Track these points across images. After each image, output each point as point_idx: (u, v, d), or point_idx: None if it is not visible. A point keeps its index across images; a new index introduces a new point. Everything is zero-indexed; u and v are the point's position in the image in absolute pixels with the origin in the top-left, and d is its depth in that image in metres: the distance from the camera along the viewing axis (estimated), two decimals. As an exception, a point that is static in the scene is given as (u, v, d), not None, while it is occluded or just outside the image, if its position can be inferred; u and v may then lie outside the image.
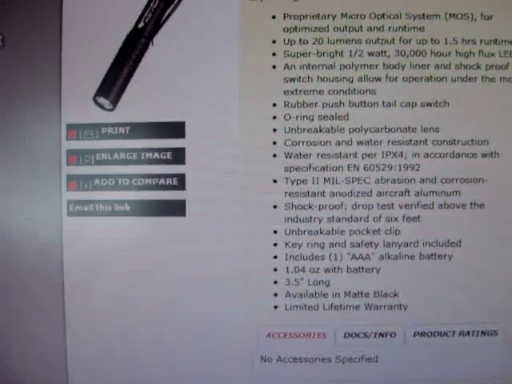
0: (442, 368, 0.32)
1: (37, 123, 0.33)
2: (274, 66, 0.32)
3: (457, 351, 0.32)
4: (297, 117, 0.32)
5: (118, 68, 0.32)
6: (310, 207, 0.32)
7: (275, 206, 0.32)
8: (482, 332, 0.32)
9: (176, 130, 0.32)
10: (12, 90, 0.33)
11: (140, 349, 0.32)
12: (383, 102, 0.32)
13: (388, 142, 0.32)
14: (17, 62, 0.32)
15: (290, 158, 0.32)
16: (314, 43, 0.32)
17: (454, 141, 0.32)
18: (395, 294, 0.32)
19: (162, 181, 0.32)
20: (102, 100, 0.32)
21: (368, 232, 0.32)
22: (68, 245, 0.32)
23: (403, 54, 0.32)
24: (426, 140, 0.32)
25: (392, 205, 0.32)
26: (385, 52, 0.32)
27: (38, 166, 0.32)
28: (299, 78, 0.32)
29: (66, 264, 0.32)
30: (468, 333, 0.32)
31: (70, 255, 0.32)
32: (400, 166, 0.32)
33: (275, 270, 0.32)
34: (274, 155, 0.32)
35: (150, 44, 0.32)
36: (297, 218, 0.32)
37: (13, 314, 0.33)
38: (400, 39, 0.32)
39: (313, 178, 0.32)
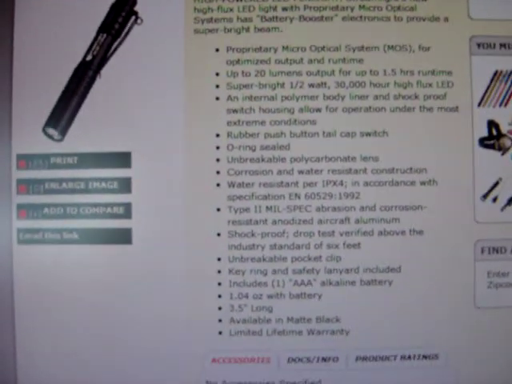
0: (385, 392, 0.33)
1: (-12, 153, 0.33)
2: (217, 98, 0.33)
3: (399, 375, 0.33)
4: (239, 147, 0.33)
5: (66, 100, 0.33)
6: (252, 235, 0.32)
7: (219, 234, 0.33)
8: (424, 356, 0.33)
9: (122, 160, 0.33)
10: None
11: (88, 374, 0.33)
12: (323, 132, 0.32)
13: (328, 171, 0.32)
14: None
15: (233, 187, 0.33)
16: (256, 75, 0.33)
17: (393, 169, 0.33)
18: (337, 320, 0.33)
19: (109, 209, 0.33)
20: (51, 131, 0.33)
21: (309, 259, 0.32)
22: (18, 272, 0.33)
23: (343, 85, 0.33)
24: (365, 169, 0.32)
25: (333, 232, 0.32)
26: (325, 83, 0.33)
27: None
28: (242, 109, 0.33)
29: (16, 291, 0.33)
30: (409, 357, 0.33)
31: (20, 282, 0.33)
32: (340, 194, 0.32)
33: (219, 296, 0.33)
34: (218, 184, 0.33)
35: (98, 76, 0.33)
36: (240, 245, 0.33)
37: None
38: (340, 71, 0.33)
39: (255, 207, 0.32)
